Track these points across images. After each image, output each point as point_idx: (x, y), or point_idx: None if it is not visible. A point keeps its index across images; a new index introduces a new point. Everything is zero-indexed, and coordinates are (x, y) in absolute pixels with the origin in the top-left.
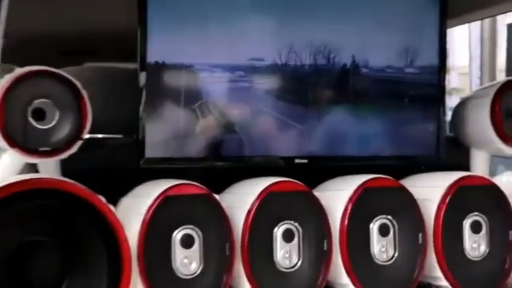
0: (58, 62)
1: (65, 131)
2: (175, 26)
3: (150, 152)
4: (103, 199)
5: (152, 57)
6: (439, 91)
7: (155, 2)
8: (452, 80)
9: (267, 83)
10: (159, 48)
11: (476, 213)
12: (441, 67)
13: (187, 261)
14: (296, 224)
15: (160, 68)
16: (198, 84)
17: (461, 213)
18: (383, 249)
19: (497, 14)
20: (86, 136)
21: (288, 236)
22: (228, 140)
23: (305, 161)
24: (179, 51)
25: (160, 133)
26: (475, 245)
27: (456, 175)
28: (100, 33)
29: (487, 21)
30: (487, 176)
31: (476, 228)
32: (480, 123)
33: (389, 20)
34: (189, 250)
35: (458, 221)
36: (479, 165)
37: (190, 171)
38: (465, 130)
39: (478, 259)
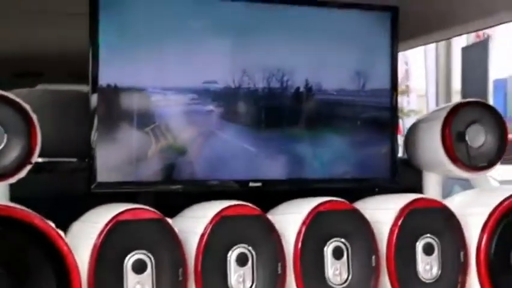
0: (9, 84)
1: (13, 155)
2: (128, 48)
3: (102, 176)
4: (52, 224)
5: (104, 79)
6: (391, 114)
7: (107, 24)
8: (412, 102)
9: (220, 106)
10: (111, 70)
11: (428, 235)
12: (393, 90)
13: (139, 287)
14: (250, 248)
15: (112, 90)
16: (150, 107)
17: (414, 236)
18: (337, 272)
19: (450, 38)
20: (36, 160)
21: (241, 260)
22: (182, 163)
23: (259, 184)
24: (132, 73)
25: (112, 157)
26: (427, 267)
27: (408, 197)
28: (52, 55)
29: (442, 45)
30: (438, 198)
31: (428, 250)
32: (431, 146)
33: (342, 44)
34: (141, 275)
35: (411, 243)
36: (432, 187)
37: (143, 196)
38: (417, 152)
39: (431, 281)
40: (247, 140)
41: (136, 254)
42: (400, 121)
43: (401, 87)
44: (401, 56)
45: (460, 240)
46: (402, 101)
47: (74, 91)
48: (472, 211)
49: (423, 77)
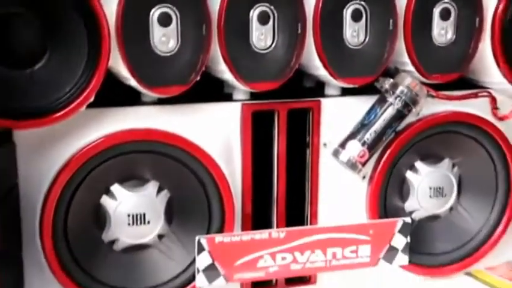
0: None
1: None
2: None
3: None
4: None
5: None
6: None
7: None
8: None
9: None
10: None
11: (446, 0)
12: None
13: (164, 39)
14: (272, 7)
15: None
16: None
17: (432, 0)
18: (355, 33)
19: None
20: None
21: (263, 19)
22: None
23: None
24: None
25: None
26: (442, 32)
27: None
28: None
29: None
30: None
31: (445, 15)
32: None
33: None
34: (167, 28)
35: (429, 8)
36: None
37: None
38: None
39: (444, 45)
40: None
41: (162, 7)
42: None
43: None
44: None
45: (477, 6)
46: None
47: None
48: None
49: None
